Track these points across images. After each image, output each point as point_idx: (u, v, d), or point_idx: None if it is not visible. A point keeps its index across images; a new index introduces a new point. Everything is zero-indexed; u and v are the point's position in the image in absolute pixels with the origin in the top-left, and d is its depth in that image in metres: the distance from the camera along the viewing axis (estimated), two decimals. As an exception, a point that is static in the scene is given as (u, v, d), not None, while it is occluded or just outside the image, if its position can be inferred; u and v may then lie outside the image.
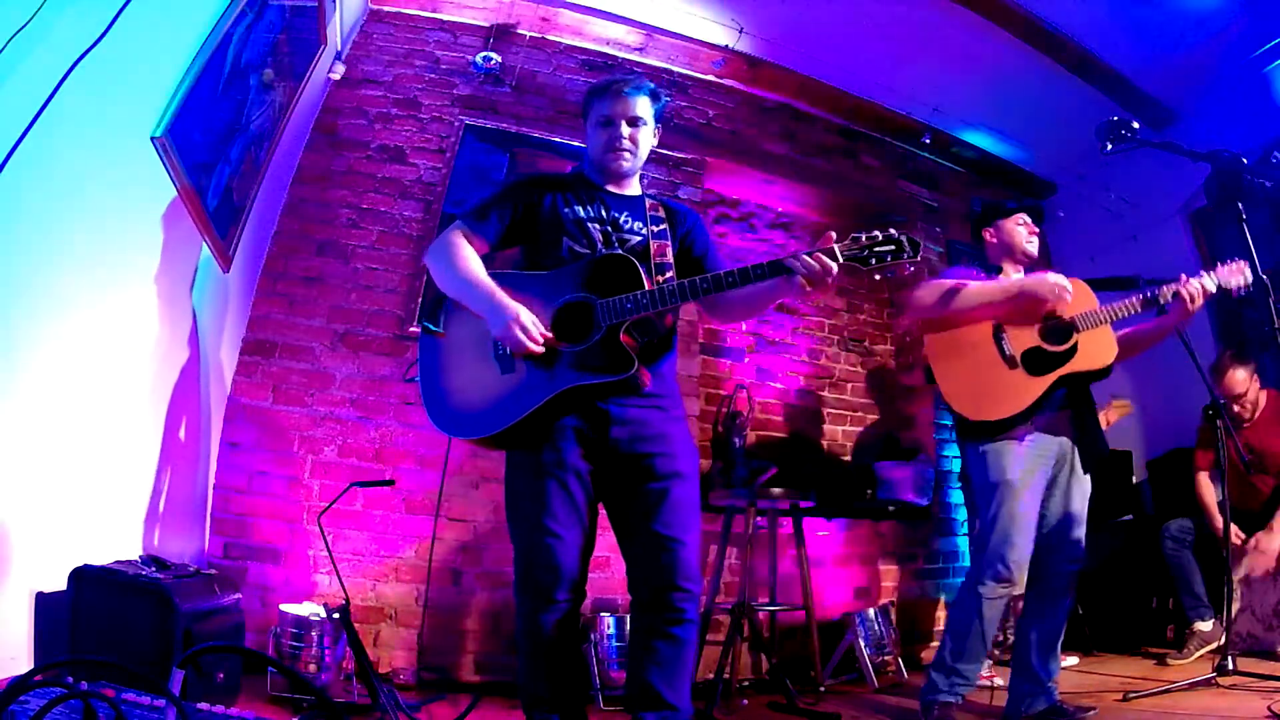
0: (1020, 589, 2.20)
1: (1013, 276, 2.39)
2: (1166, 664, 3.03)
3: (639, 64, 3.92)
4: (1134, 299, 2.25)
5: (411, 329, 3.15)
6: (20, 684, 0.95)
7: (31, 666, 1.72)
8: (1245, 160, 2.00)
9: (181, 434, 2.57)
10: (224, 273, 2.73)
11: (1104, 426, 3.45)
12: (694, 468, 1.72)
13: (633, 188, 1.89)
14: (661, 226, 1.80)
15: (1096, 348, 2.24)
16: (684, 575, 1.61)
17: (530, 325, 1.59)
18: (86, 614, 1.76)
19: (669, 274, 1.72)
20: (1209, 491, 3.18)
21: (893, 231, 1.60)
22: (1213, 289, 2.19)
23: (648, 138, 1.83)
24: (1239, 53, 3.71)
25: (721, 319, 2.04)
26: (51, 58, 1.57)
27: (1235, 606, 2.93)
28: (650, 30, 3.83)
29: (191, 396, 2.62)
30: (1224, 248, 3.91)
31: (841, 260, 1.57)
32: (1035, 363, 2.23)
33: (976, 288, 2.28)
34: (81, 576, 1.78)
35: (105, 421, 2.09)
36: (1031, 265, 2.45)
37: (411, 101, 3.52)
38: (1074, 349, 2.23)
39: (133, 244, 2.14)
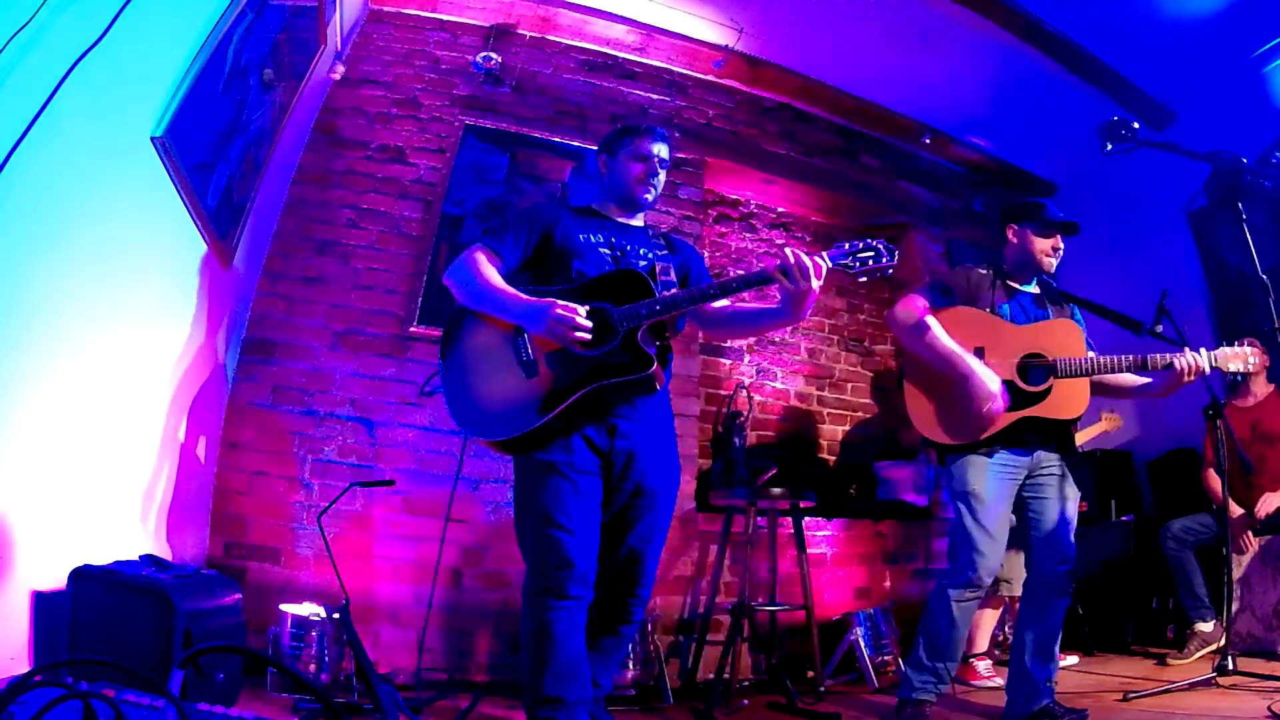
0: (983, 592, 2.25)
1: (1003, 310, 2.32)
2: (1166, 664, 3.03)
3: (639, 64, 3.92)
4: (1124, 358, 2.19)
5: (412, 329, 3.15)
6: (20, 684, 0.95)
7: (31, 667, 1.72)
8: (1245, 160, 2.00)
9: (181, 434, 2.57)
10: (224, 272, 2.73)
11: (1095, 438, 3.50)
12: (676, 484, 1.94)
13: (638, 220, 2.06)
14: (663, 252, 1.99)
15: (1069, 397, 2.20)
16: (644, 584, 1.85)
17: (572, 309, 1.68)
18: (86, 614, 1.76)
19: (673, 290, 1.85)
20: (1216, 481, 3.11)
21: (869, 240, 1.78)
22: (1207, 369, 2.14)
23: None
24: (1238, 53, 3.71)
25: (718, 334, 2.26)
26: (51, 58, 1.57)
27: (1235, 606, 2.93)
28: (650, 30, 3.82)
29: (191, 396, 2.62)
30: (1224, 248, 3.92)
31: (830, 265, 1.73)
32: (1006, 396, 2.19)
33: (940, 347, 2.22)
34: (81, 576, 1.78)
35: (105, 421, 2.09)
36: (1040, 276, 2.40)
37: (411, 101, 3.52)
38: (1047, 392, 2.20)
39: (133, 244, 2.14)
